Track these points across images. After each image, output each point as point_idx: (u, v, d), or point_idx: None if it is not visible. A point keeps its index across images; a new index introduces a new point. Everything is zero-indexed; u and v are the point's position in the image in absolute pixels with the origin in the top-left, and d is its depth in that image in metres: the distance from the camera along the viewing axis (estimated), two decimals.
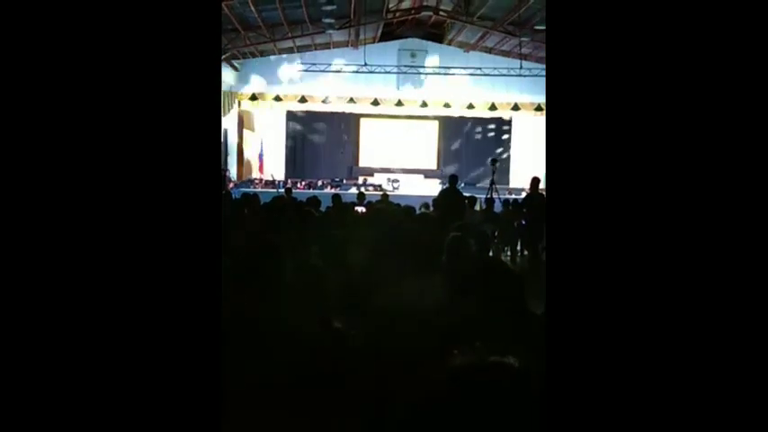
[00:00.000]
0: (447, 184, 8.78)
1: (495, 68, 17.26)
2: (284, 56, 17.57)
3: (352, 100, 17.99)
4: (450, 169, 17.89)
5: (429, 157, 20.00)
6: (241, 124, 18.73)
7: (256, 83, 17.94)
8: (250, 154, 19.21)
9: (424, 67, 17.77)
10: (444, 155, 20.14)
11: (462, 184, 17.07)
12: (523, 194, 12.89)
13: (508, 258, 9.54)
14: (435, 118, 19.59)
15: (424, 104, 18.21)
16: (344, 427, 1.95)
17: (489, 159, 15.20)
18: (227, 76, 16.95)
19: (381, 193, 13.43)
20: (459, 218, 6.27)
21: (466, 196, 10.00)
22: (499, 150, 19.83)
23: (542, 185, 8.96)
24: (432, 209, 8.90)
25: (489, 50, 17.64)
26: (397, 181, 17.78)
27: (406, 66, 17.63)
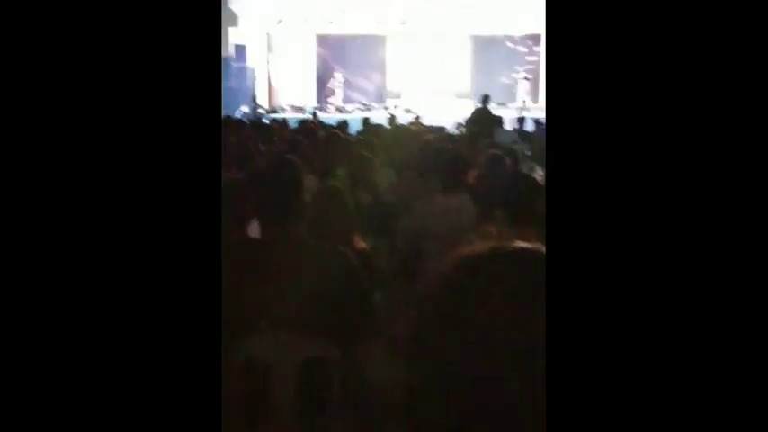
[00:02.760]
0: (480, 104, 8.72)
1: None
2: None
3: (379, 22, 17.62)
4: (482, 89, 17.61)
5: (461, 77, 19.60)
6: (268, 49, 18.52)
7: (282, 4, 17.60)
8: (278, 79, 19.07)
9: None
10: (476, 74, 19.72)
11: (494, 104, 16.90)
12: None
13: (541, 177, 9.43)
14: (467, 36, 19.10)
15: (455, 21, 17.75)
16: (370, 351, 1.97)
17: (520, 77, 14.91)
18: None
19: (414, 115, 13.32)
20: (489, 136, 6.21)
21: (497, 116, 9.92)
22: (530, 68, 19.35)
23: None
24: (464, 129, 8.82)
25: None
26: (425, 102, 17.56)
27: None
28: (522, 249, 0.93)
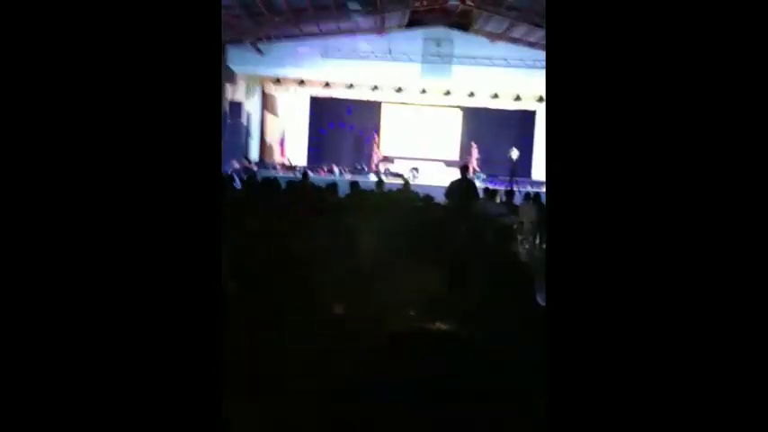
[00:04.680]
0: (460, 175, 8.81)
1: (521, 59, 17.11)
2: (309, 39, 17.53)
3: (375, 87, 17.94)
4: (473, 159, 17.84)
5: (451, 147, 19.86)
6: (264, 108, 18.77)
7: (280, 67, 17.94)
8: (272, 138, 19.26)
9: (449, 55, 17.64)
10: (467, 145, 20.00)
11: (483, 176, 17.07)
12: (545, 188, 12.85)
13: (526, 250, 9.47)
14: (459, 107, 19.46)
15: (448, 93, 18.12)
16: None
17: (509, 151, 15.09)
18: (252, 59, 16.96)
19: (402, 182, 13.44)
20: (470, 208, 6.24)
21: (487, 188, 10.01)
22: (522, 142, 19.68)
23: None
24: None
25: (515, 41, 17.46)
26: (416, 169, 17.70)
27: (431, 54, 17.53)
28: (437, 332, 0.97)
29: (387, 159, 19.04)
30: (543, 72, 16.69)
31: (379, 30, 17.17)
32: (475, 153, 18.36)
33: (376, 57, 17.20)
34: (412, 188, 10.11)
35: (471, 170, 12.84)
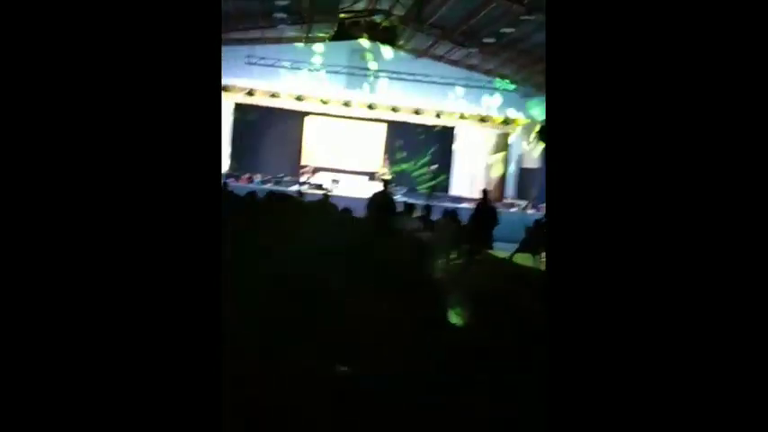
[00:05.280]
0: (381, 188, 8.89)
1: (443, 77, 17.42)
2: (233, 47, 17.30)
3: (299, 98, 17.85)
4: (395, 174, 17.99)
5: (374, 160, 19.96)
6: None
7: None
8: None
9: (374, 69, 17.78)
10: (389, 158, 20.13)
11: (405, 190, 17.23)
12: (465, 204, 13.16)
13: (442, 265, 9.59)
14: (382, 121, 19.59)
15: (372, 107, 18.21)
16: None
17: (429, 167, 15.32)
18: None
19: (322, 192, 13.39)
20: (388, 222, 6.30)
21: (406, 202, 10.13)
22: (442, 159, 20.00)
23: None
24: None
25: (439, 58, 17.78)
26: (337, 181, 17.69)
27: (356, 67, 17.62)
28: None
29: (307, 170, 18.93)
30: (463, 90, 17.06)
31: (305, 40, 17.12)
32: (386, 165, 18.58)
33: (301, 67, 17.13)
34: (332, 200, 10.11)
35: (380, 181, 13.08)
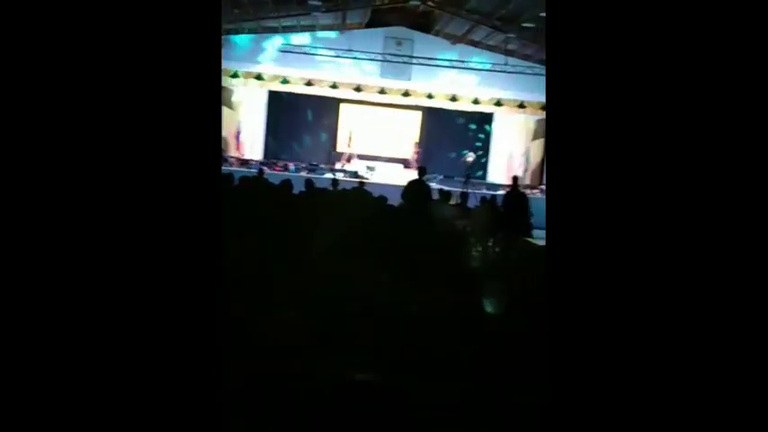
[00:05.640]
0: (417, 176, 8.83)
1: (480, 63, 17.23)
2: (268, 35, 17.34)
3: (334, 85, 17.84)
4: (430, 161, 17.91)
5: (409, 147, 19.88)
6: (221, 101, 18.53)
7: (238, 60, 17.69)
8: (228, 131, 19.00)
9: (409, 56, 17.65)
10: (425, 146, 20.05)
11: (441, 177, 17.13)
12: (502, 191, 13.01)
13: (479, 253, 9.52)
14: (418, 108, 19.49)
15: (407, 94, 18.12)
16: None
17: (466, 154, 15.19)
18: None
19: (358, 180, 13.38)
20: (424, 210, 6.24)
21: (442, 190, 10.06)
22: (479, 145, 19.83)
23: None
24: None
25: (476, 44, 17.58)
26: (373, 169, 17.65)
27: (391, 54, 17.52)
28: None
29: (345, 157, 18.96)
30: (501, 76, 16.90)
31: (340, 27, 17.08)
32: (416, 150, 18.53)
33: (336, 55, 17.10)
34: (367, 187, 10.07)
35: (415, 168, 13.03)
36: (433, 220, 5.46)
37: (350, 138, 19.17)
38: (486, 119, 20.02)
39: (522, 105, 18.12)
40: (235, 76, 17.81)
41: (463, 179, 12.10)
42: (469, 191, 11.05)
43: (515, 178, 10.33)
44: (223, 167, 14.99)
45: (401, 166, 18.71)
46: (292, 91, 18.46)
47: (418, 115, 19.99)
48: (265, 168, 14.75)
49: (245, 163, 17.44)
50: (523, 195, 10.17)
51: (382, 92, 18.04)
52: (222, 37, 17.09)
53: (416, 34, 17.80)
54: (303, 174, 15.89)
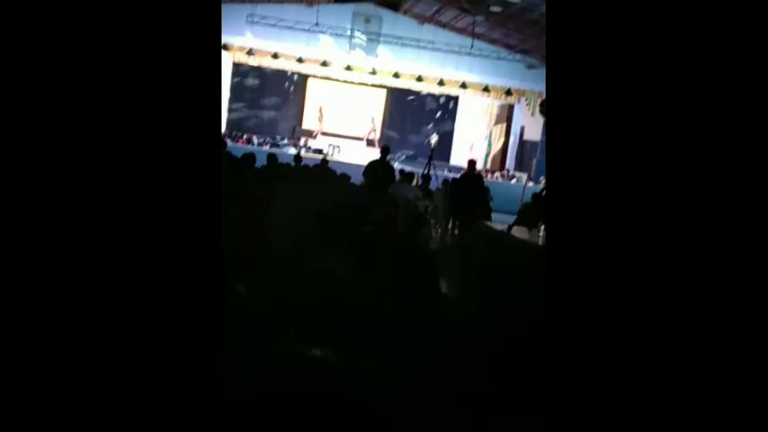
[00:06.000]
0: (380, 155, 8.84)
1: (447, 44, 17.22)
2: (234, 5, 17.01)
3: (300, 59, 17.64)
4: (393, 140, 17.89)
5: (372, 126, 19.80)
6: None
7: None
8: None
9: (377, 34, 17.53)
10: (388, 125, 20.01)
11: (403, 157, 17.13)
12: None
13: (438, 235, 9.61)
14: (383, 87, 19.41)
15: (374, 72, 18.03)
16: None
17: (428, 135, 15.23)
18: None
19: (321, 157, 13.31)
20: (385, 190, 6.25)
21: (405, 171, 10.07)
22: (443, 127, 19.88)
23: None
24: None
25: (444, 25, 17.55)
26: (338, 146, 17.56)
27: (359, 30, 17.38)
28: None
29: (307, 134, 18.81)
30: (467, 58, 16.90)
31: (308, 0, 16.86)
32: (373, 127, 18.54)
33: (303, 28, 16.88)
34: (330, 165, 10.03)
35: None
36: (395, 201, 5.49)
37: (320, 114, 19.00)
38: (450, 101, 20.05)
39: (486, 89, 18.19)
40: None
41: (426, 160, 12.10)
42: (432, 172, 11.06)
43: (471, 162, 10.29)
44: None
45: (364, 144, 18.65)
46: (258, 63, 18.19)
47: (382, 94, 19.91)
48: (228, 141, 14.55)
49: None
50: (480, 178, 10.23)
51: (348, 68, 17.90)
52: None
53: (385, 12, 17.67)
54: (266, 148, 15.74)
